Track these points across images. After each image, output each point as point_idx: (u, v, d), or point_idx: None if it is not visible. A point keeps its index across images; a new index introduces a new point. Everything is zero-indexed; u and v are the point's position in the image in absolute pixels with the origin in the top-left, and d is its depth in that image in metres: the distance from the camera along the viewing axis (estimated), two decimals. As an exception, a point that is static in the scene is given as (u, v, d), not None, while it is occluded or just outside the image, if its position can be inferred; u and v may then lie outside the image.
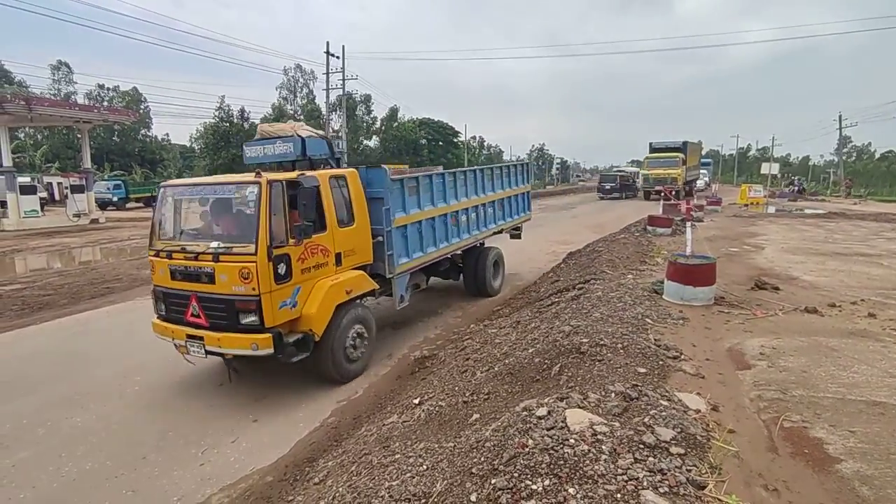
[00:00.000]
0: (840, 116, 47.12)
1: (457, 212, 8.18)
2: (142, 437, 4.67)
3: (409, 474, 3.12)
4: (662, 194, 25.41)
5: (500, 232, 9.98)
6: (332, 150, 6.77)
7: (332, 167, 6.65)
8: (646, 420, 3.06)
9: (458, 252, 8.66)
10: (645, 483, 2.47)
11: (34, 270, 13.34)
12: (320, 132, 7.09)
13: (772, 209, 23.13)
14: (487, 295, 9.32)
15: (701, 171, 49.85)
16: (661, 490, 2.44)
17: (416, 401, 4.72)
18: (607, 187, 38.70)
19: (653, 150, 34.01)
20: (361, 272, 6.14)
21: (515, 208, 10.69)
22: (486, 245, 9.49)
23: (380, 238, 6.44)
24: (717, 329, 5.39)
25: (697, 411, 3.38)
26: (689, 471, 2.63)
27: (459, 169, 8.66)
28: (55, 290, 10.13)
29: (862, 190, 42.88)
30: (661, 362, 4.22)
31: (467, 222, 8.56)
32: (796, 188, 39.49)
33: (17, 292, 10.02)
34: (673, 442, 2.86)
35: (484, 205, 9.14)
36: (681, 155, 31.54)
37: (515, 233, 11.04)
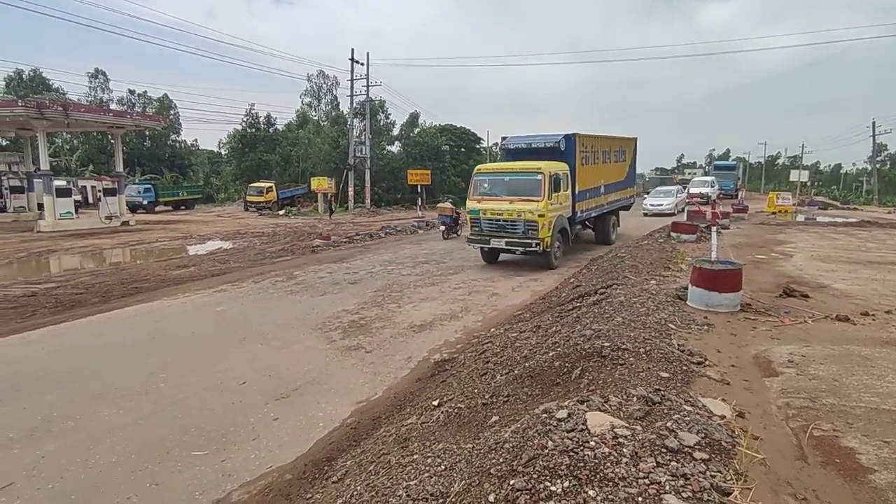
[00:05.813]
0: (874, 123, 45.75)
1: None
2: (166, 432, 4.76)
3: (427, 474, 3.11)
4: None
5: None
6: None
7: None
8: (668, 424, 3.00)
9: None
10: (667, 487, 2.42)
11: (67, 270, 13.76)
12: None
13: (801, 217, 22.50)
14: None
15: (708, 178, 39.06)
16: (683, 495, 2.38)
17: (436, 402, 4.72)
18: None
19: (507, 152, 14.89)
20: None
21: None
22: None
23: None
24: (743, 335, 5.26)
25: (722, 417, 3.30)
26: (714, 476, 2.56)
27: None
28: (87, 289, 10.44)
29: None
30: (684, 367, 4.13)
31: None
32: None
33: (51, 291, 10.35)
34: (696, 447, 2.79)
35: None
36: (554, 169, 12.47)
37: None
